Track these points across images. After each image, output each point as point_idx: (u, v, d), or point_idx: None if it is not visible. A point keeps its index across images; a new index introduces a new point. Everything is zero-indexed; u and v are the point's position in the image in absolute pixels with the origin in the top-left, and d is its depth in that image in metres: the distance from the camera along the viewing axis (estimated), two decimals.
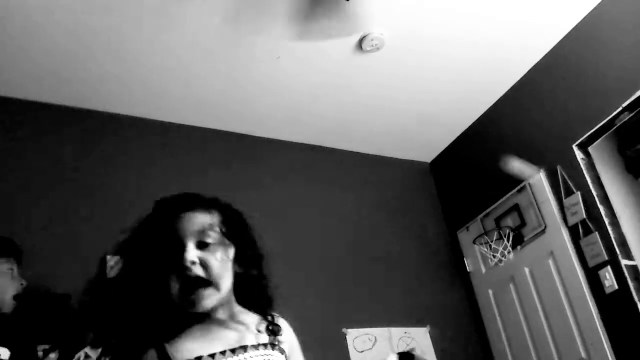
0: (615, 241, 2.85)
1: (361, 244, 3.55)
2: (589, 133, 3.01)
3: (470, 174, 3.80)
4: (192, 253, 1.14)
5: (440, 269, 3.73)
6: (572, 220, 3.03)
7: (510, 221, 3.44)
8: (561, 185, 3.12)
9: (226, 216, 1.24)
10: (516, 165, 2.90)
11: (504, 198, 3.47)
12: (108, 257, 2.78)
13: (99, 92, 3.06)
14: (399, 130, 3.78)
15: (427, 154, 4.13)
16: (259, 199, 3.22)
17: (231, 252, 1.21)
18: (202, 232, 1.17)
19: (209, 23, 2.73)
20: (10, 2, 2.48)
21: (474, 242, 3.60)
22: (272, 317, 1.27)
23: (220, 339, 1.15)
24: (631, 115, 2.85)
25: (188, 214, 1.19)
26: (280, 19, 2.77)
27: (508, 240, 3.37)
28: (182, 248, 1.14)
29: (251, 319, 1.24)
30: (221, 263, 1.17)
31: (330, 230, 3.49)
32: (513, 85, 3.50)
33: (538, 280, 3.23)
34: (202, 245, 1.16)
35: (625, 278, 2.78)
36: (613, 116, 2.89)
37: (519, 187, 3.37)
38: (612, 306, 2.83)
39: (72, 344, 2.30)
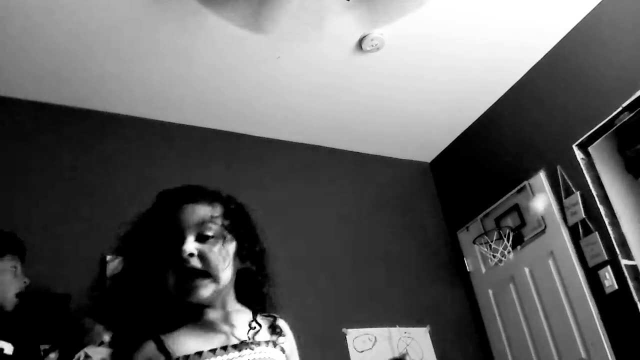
0: (615, 241, 2.85)
1: (361, 244, 3.55)
2: (589, 133, 3.01)
3: (470, 174, 3.80)
4: (190, 245, 1.13)
5: (440, 269, 3.73)
6: (572, 220, 3.03)
7: (510, 221, 3.44)
8: (561, 185, 3.12)
9: (229, 209, 1.23)
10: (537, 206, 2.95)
11: (504, 198, 3.47)
12: (108, 257, 2.79)
13: (99, 92, 3.06)
14: (399, 130, 3.78)
15: (427, 154, 4.13)
16: (259, 199, 3.19)
17: (232, 246, 1.20)
18: (203, 224, 1.16)
19: (208, 23, 2.73)
20: (10, 2, 2.48)
21: (474, 242, 3.60)
22: (274, 316, 1.27)
23: (218, 335, 1.15)
24: (631, 115, 2.85)
25: (190, 205, 1.18)
26: (280, 19, 2.77)
27: (508, 240, 3.37)
28: (182, 240, 1.13)
29: (250, 317, 1.23)
30: (220, 256, 1.16)
31: (330, 230, 3.49)
32: (513, 85, 3.50)
33: (538, 280, 3.23)
34: (202, 238, 1.15)
35: (625, 278, 2.78)
36: (613, 116, 2.89)
37: (519, 187, 3.37)
38: (612, 306, 2.83)
39: (72, 344, 2.31)
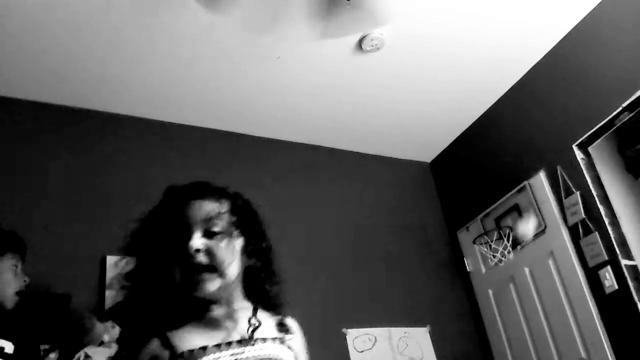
0: (615, 241, 2.85)
1: (361, 243, 3.55)
2: (589, 133, 3.01)
3: (470, 174, 3.80)
4: (197, 241, 1.14)
5: (440, 269, 3.73)
6: (572, 220, 3.03)
7: (510, 221, 3.44)
8: (561, 185, 3.12)
9: (236, 205, 1.25)
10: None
11: (504, 198, 3.47)
12: (108, 256, 2.79)
13: (99, 92, 3.06)
14: (399, 130, 3.78)
15: (427, 154, 4.13)
16: (259, 199, 3.21)
17: (239, 242, 1.22)
18: (210, 220, 1.17)
19: (209, 24, 2.73)
20: (10, 2, 2.48)
21: (474, 242, 3.60)
22: (282, 314, 1.27)
23: (224, 331, 1.15)
24: (631, 115, 2.85)
25: (197, 201, 1.20)
26: (280, 19, 2.77)
27: (508, 240, 3.37)
28: (189, 236, 1.15)
29: (259, 313, 1.23)
30: (227, 251, 1.17)
31: (330, 230, 3.49)
32: (513, 85, 3.50)
33: (538, 280, 3.23)
34: (209, 234, 1.17)
35: (625, 278, 2.78)
36: (613, 116, 2.89)
37: (519, 187, 3.37)
38: (612, 306, 2.83)
39: (72, 344, 2.31)
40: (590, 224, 2.95)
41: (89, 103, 3.12)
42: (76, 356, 2.25)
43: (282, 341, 1.20)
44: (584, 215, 2.96)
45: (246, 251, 1.23)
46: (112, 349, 2.37)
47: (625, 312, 2.77)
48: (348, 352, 3.13)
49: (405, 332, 3.33)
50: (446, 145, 4.03)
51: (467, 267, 3.71)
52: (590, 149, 3.09)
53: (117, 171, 3.06)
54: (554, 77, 3.25)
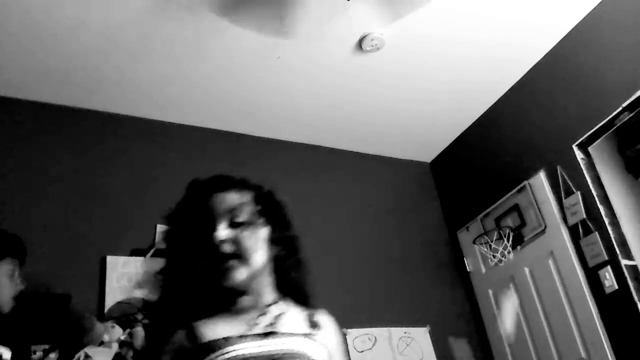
0: (615, 241, 2.85)
1: (361, 243, 3.54)
2: (589, 133, 3.01)
3: (470, 174, 3.80)
4: (222, 232, 1.16)
5: (440, 269, 3.73)
6: (572, 220, 3.03)
7: (510, 221, 3.44)
8: (561, 185, 3.12)
9: (259, 195, 1.27)
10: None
11: (504, 198, 3.47)
12: (108, 257, 2.79)
13: (99, 92, 3.06)
14: (399, 130, 3.78)
15: (427, 154, 4.13)
16: None
17: (264, 230, 1.23)
18: (234, 211, 1.19)
19: (209, 23, 2.73)
20: (10, 1, 2.48)
21: (474, 242, 3.60)
22: (314, 309, 1.28)
23: (251, 322, 1.15)
24: (631, 115, 2.85)
25: (220, 194, 1.21)
26: (280, 19, 2.77)
27: (508, 240, 3.37)
28: (213, 228, 1.16)
29: (289, 307, 1.23)
30: (252, 240, 1.19)
31: (330, 231, 3.49)
32: (513, 85, 3.50)
33: (538, 280, 3.23)
34: (234, 225, 1.19)
35: (625, 278, 2.78)
36: (613, 116, 2.89)
37: (519, 187, 3.37)
38: (612, 306, 2.83)
39: (72, 344, 2.31)
40: (590, 224, 2.95)
41: (89, 103, 3.12)
42: (76, 356, 2.25)
43: (310, 337, 1.19)
44: (584, 215, 2.96)
45: (272, 240, 1.24)
46: (112, 349, 2.37)
47: (625, 312, 2.77)
48: (348, 352, 3.12)
49: (405, 332, 3.33)
50: (446, 145, 4.03)
51: (467, 267, 3.71)
52: (590, 149, 3.09)
53: (117, 171, 3.06)
54: (554, 77, 3.25)
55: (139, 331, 2.48)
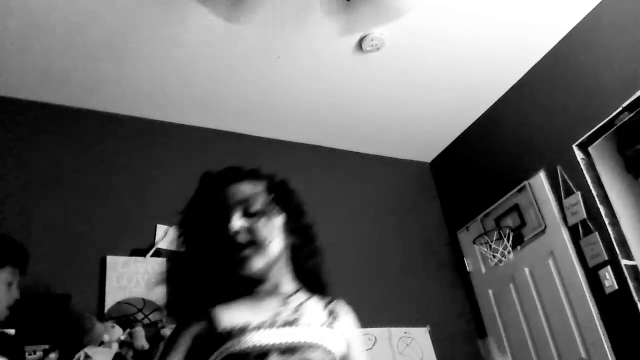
0: (615, 241, 2.85)
1: (361, 244, 3.54)
2: (589, 133, 3.01)
3: (470, 174, 3.80)
4: (237, 222, 1.17)
5: (440, 269, 3.73)
6: (572, 220, 3.03)
7: (510, 221, 3.44)
8: (561, 185, 3.12)
9: (271, 184, 1.28)
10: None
11: (504, 198, 3.47)
12: (108, 257, 2.79)
13: (99, 92, 3.06)
14: (399, 130, 3.78)
15: (427, 154, 4.13)
16: None
17: (279, 219, 1.24)
18: (248, 201, 1.20)
19: (209, 24, 2.73)
20: (11, 1, 2.48)
21: (474, 242, 3.60)
22: (331, 299, 1.28)
23: (269, 311, 1.15)
24: (631, 115, 2.85)
25: (233, 185, 1.23)
26: (280, 20, 2.77)
27: (508, 240, 3.37)
28: (228, 218, 1.17)
29: (307, 296, 1.23)
30: (267, 229, 1.19)
31: (330, 230, 3.47)
32: (513, 85, 3.50)
33: (538, 280, 3.23)
34: (248, 215, 1.19)
35: (625, 278, 2.78)
36: (613, 116, 2.89)
37: (519, 187, 3.37)
38: (612, 306, 2.83)
39: (72, 344, 2.31)
40: (590, 224, 2.95)
41: (89, 103, 3.12)
42: (76, 356, 2.25)
43: (328, 327, 1.19)
44: (584, 215, 2.96)
45: (287, 228, 1.24)
46: (112, 349, 2.37)
47: (625, 312, 2.77)
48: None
49: (405, 332, 3.33)
50: (446, 145, 4.03)
51: (467, 267, 3.71)
52: (590, 149, 3.09)
53: (117, 171, 3.06)
54: (554, 77, 3.25)
55: (139, 331, 2.48)
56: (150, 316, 2.71)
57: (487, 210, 3.58)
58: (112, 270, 2.77)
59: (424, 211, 3.94)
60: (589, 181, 3.00)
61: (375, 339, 3.23)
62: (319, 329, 1.16)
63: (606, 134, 3.01)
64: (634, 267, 2.82)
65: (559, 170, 3.14)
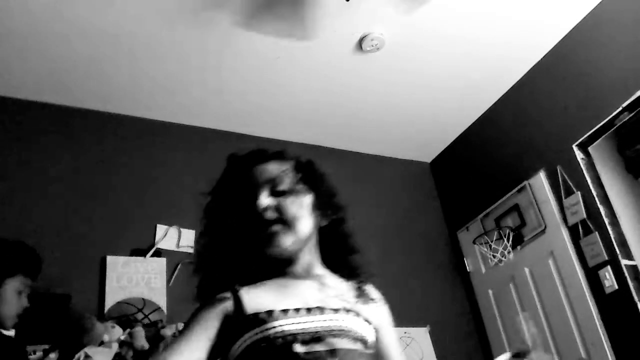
0: (615, 241, 2.85)
1: (360, 243, 3.53)
2: (589, 133, 3.01)
3: (470, 174, 3.80)
4: (264, 200, 1.15)
5: (440, 269, 3.73)
6: (572, 220, 3.03)
7: (510, 221, 3.44)
8: (561, 185, 3.12)
9: (298, 163, 1.26)
10: None
11: (504, 198, 3.47)
12: (108, 257, 2.79)
13: (99, 92, 3.06)
14: (399, 130, 3.78)
15: (427, 154, 4.13)
16: None
17: (308, 197, 1.21)
18: (275, 180, 1.19)
19: (209, 24, 2.73)
20: (11, 2, 2.48)
21: (474, 242, 3.60)
22: (362, 282, 1.24)
23: (296, 295, 1.12)
24: (631, 115, 2.85)
25: (260, 166, 1.21)
26: (279, 19, 2.77)
27: (508, 240, 3.37)
28: (256, 197, 1.15)
29: (336, 281, 1.20)
30: (296, 207, 1.17)
31: None
32: (513, 85, 3.50)
33: (538, 280, 3.23)
34: (276, 194, 1.18)
35: (625, 278, 2.78)
36: (613, 116, 2.89)
37: (519, 187, 3.37)
38: (612, 306, 2.83)
39: (72, 344, 2.31)
40: (590, 224, 2.95)
41: (88, 103, 3.12)
42: (76, 356, 2.25)
43: (357, 313, 1.16)
44: (584, 215, 2.96)
45: (316, 207, 1.21)
46: (112, 349, 2.37)
47: (625, 312, 2.77)
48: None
49: (405, 332, 3.33)
50: (446, 145, 4.03)
51: (467, 267, 3.71)
52: (590, 149, 3.09)
53: (117, 171, 3.06)
54: (554, 77, 3.25)
55: (139, 331, 2.48)
56: (150, 316, 2.71)
57: (487, 210, 3.58)
58: (112, 270, 2.77)
59: (424, 211, 3.94)
60: (589, 181, 3.00)
61: None
62: (346, 315, 1.13)
63: (606, 134, 3.01)
64: (634, 267, 2.82)
65: (559, 170, 3.14)
